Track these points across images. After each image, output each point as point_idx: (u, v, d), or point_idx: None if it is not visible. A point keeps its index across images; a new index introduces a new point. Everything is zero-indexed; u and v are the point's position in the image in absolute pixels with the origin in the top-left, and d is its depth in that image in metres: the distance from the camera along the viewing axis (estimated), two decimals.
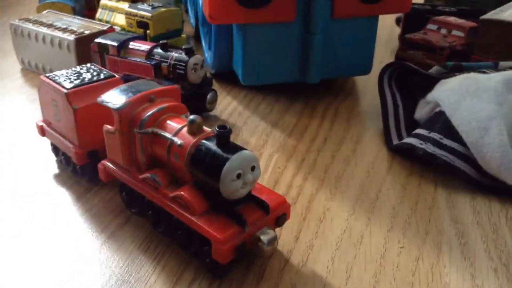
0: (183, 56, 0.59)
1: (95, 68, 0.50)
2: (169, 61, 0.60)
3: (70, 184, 0.49)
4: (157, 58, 0.61)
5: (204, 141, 0.37)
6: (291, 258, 0.39)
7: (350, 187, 0.48)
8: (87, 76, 0.48)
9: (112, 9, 0.82)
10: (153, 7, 0.75)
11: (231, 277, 0.37)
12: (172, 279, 0.37)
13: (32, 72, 0.77)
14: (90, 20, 0.75)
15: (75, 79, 0.47)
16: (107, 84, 0.47)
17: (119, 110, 0.39)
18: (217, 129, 0.35)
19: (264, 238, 0.36)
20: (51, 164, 0.52)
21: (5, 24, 1.00)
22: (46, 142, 0.53)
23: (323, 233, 0.42)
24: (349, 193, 0.47)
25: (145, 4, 0.77)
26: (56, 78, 0.48)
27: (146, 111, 0.40)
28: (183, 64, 0.59)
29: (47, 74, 0.48)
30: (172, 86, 0.42)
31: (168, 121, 0.39)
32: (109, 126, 0.41)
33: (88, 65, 0.51)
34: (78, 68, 0.50)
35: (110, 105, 0.40)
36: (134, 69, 0.61)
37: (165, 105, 0.40)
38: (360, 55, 0.66)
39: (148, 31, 0.75)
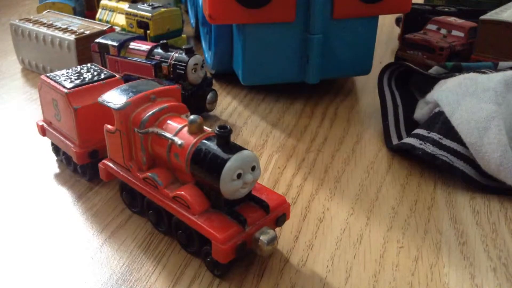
0: (183, 56, 0.59)
1: (96, 68, 0.50)
2: (169, 61, 0.60)
3: (70, 183, 0.49)
4: (157, 58, 0.61)
5: (204, 141, 0.37)
6: (291, 258, 0.39)
7: (349, 187, 0.48)
8: (88, 76, 0.48)
9: (112, 9, 0.82)
10: (153, 7, 0.76)
11: (231, 276, 0.37)
12: (172, 278, 0.37)
13: (32, 72, 0.77)
14: (90, 20, 0.75)
15: (75, 79, 0.47)
16: (108, 84, 0.47)
17: (119, 110, 0.39)
18: (218, 129, 0.35)
19: (264, 238, 0.36)
20: (52, 164, 0.52)
21: (5, 24, 1.00)
22: (46, 142, 0.53)
23: (323, 233, 0.42)
24: (348, 193, 0.47)
25: (145, 4, 0.77)
26: (57, 78, 0.48)
27: (146, 111, 0.40)
28: (183, 64, 0.59)
29: (48, 74, 0.49)
30: (173, 86, 0.43)
31: (169, 121, 0.39)
32: (109, 126, 0.42)
33: (89, 65, 0.51)
34: (78, 68, 0.50)
35: (110, 105, 0.40)
36: (135, 69, 0.61)
37: (165, 105, 0.40)
38: (360, 55, 0.66)
39: (148, 31, 0.75)
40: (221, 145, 0.36)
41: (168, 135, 0.38)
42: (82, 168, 0.48)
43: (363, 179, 0.49)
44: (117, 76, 0.49)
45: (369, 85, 0.71)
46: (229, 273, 0.38)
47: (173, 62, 0.60)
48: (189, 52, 0.59)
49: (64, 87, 0.46)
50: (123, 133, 0.40)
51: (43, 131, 0.52)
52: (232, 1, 0.57)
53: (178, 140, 0.37)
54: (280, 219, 0.38)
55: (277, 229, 0.41)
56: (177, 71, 0.59)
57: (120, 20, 0.80)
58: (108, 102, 0.41)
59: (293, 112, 0.64)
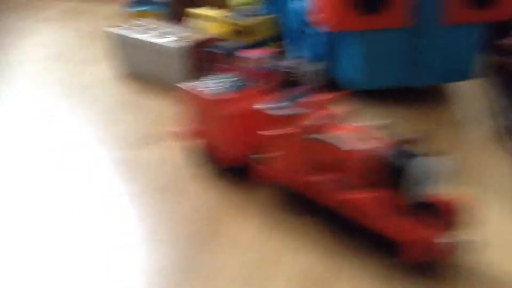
0: (296, 63, 0.60)
1: (239, 77, 0.52)
2: (283, 68, 0.61)
3: (218, 185, 0.51)
4: (270, 66, 0.62)
5: (384, 146, 0.38)
6: (469, 260, 0.39)
7: (491, 186, 0.49)
8: (233, 84, 0.50)
9: (202, 17, 0.83)
10: (251, 15, 0.77)
11: (408, 279, 0.38)
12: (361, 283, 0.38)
13: (133, 78, 0.78)
14: (190, 27, 0.77)
15: (222, 87, 0.49)
16: (254, 92, 0.49)
17: (290, 116, 0.41)
18: (399, 137, 0.36)
19: (445, 241, 0.37)
20: (197, 167, 0.54)
21: (93, 32, 1.01)
22: (182, 147, 0.55)
23: (491, 235, 0.42)
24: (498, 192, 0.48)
25: (242, 12, 0.79)
26: (203, 86, 0.49)
27: (318, 118, 0.41)
28: (298, 71, 0.60)
29: (191, 83, 0.51)
30: (337, 93, 0.44)
31: (342, 128, 0.41)
32: (278, 132, 0.43)
33: (230, 74, 0.52)
34: (221, 77, 0.51)
35: (280, 112, 0.41)
36: (250, 77, 0.62)
37: (336, 111, 0.41)
38: (463, 61, 0.67)
39: (247, 39, 0.76)
40: (402, 151, 0.37)
41: (342, 141, 0.39)
42: (231, 171, 0.50)
43: (502, 182, 0.50)
44: (263, 85, 0.50)
45: (466, 90, 0.71)
46: (408, 276, 0.38)
47: (287, 70, 0.61)
48: (302, 60, 0.61)
49: (212, 94, 0.48)
50: (294, 138, 0.41)
51: (189, 136, 0.53)
52: (350, 9, 0.58)
53: (355, 146, 0.38)
54: (457, 222, 0.38)
55: (455, 232, 0.41)
56: (293, 78, 0.60)
57: (211, 28, 0.81)
58: (276, 109, 0.42)
59: (400, 116, 0.64)
